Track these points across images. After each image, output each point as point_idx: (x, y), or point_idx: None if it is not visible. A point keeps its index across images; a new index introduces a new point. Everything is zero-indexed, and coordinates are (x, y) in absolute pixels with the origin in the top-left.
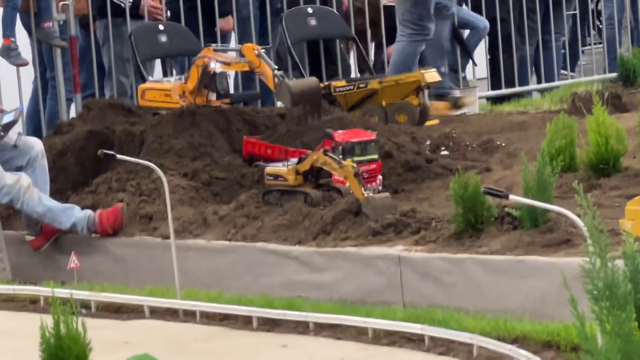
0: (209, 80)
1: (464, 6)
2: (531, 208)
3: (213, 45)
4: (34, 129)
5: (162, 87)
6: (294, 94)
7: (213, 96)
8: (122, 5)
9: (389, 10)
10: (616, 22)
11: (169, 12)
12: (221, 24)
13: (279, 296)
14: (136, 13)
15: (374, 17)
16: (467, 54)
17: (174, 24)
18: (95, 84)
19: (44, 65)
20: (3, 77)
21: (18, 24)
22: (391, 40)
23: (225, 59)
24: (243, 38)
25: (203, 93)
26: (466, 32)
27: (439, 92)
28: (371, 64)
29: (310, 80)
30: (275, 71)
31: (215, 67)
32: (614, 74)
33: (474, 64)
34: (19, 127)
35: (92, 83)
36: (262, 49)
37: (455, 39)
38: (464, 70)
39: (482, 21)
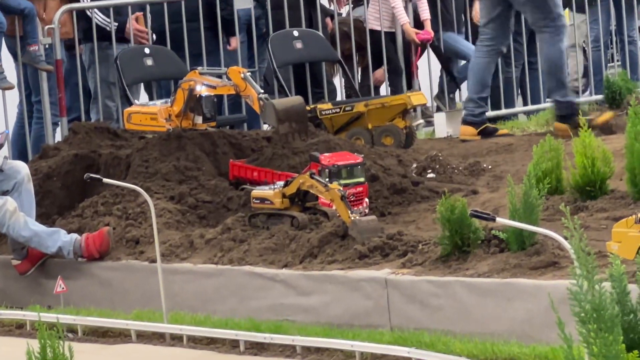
0: (195, 103)
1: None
2: (518, 230)
3: (199, 68)
4: (19, 153)
5: (148, 110)
6: (278, 112)
7: (199, 119)
8: (108, 28)
9: (375, 35)
10: (602, 45)
11: (154, 36)
12: (233, 43)
13: (266, 319)
14: (122, 36)
15: (360, 41)
16: (455, 83)
17: (159, 47)
18: (82, 107)
19: (30, 89)
20: None
21: (3, 48)
22: (378, 64)
23: (211, 82)
24: (229, 61)
25: (189, 116)
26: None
27: (468, 119)
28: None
29: (294, 99)
30: (261, 94)
31: (201, 90)
32: (600, 96)
33: (459, 89)
34: (4, 151)
35: (77, 106)
36: (248, 71)
37: (442, 66)
38: (452, 92)
39: None
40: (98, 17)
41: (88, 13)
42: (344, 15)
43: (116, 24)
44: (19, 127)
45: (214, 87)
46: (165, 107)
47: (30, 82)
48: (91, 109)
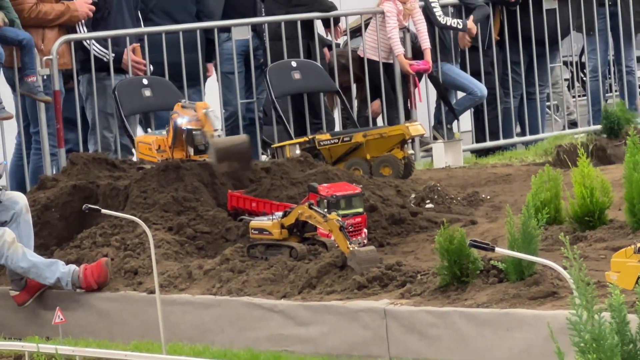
0: (186, 135)
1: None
2: (517, 261)
3: (182, 101)
4: (17, 184)
5: (146, 140)
6: (218, 151)
7: (192, 151)
8: (105, 59)
9: (373, 65)
10: (600, 75)
11: (151, 67)
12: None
13: (265, 350)
14: (119, 67)
15: (358, 73)
16: (454, 115)
17: (157, 78)
18: (80, 138)
19: (28, 119)
20: None
21: (1, 79)
22: (376, 94)
23: (190, 116)
24: (227, 92)
25: (182, 148)
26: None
27: None
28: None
29: (238, 138)
30: (216, 131)
31: (182, 123)
32: (598, 126)
33: (457, 120)
34: (2, 182)
35: (75, 137)
36: (210, 109)
37: (440, 97)
38: (450, 123)
39: (481, 89)
40: (95, 48)
41: (85, 44)
42: (341, 45)
43: (113, 54)
44: (17, 158)
45: (192, 121)
46: (160, 138)
47: (28, 113)
48: (89, 139)
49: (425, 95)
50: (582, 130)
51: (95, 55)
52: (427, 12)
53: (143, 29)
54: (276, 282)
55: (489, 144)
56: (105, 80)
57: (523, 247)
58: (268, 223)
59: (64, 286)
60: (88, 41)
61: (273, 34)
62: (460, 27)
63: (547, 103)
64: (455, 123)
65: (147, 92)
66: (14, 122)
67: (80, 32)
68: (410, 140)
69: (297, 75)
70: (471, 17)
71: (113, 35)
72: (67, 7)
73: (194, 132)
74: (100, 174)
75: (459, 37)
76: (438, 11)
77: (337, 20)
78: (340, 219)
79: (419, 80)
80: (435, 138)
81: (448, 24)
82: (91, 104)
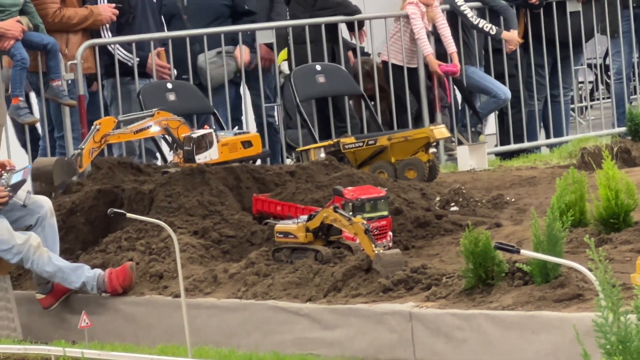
0: (179, 143)
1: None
2: (542, 263)
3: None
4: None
5: None
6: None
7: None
8: (129, 63)
9: (397, 70)
10: (624, 77)
11: (175, 71)
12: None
13: (290, 354)
14: (143, 71)
15: (382, 83)
16: (478, 118)
17: (182, 82)
18: None
19: (52, 124)
20: (12, 136)
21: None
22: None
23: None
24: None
25: (179, 155)
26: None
27: None
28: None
29: (50, 160)
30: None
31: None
32: (622, 129)
33: (482, 123)
34: (27, 186)
35: None
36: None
37: (464, 100)
38: (474, 126)
39: (504, 92)
40: (120, 53)
41: (109, 48)
42: (365, 48)
43: (137, 59)
44: None
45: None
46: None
47: (52, 117)
48: (113, 144)
49: (454, 98)
50: (606, 133)
51: (119, 60)
52: (457, 13)
53: (168, 33)
54: (301, 285)
55: (513, 146)
56: (130, 84)
57: (548, 250)
58: (293, 226)
59: (90, 290)
60: (113, 46)
61: (297, 38)
62: (493, 32)
63: (572, 105)
64: (479, 126)
65: (172, 97)
66: (39, 127)
67: (105, 36)
68: (434, 143)
69: (321, 79)
70: (513, 30)
71: (137, 39)
72: (90, 11)
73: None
74: (125, 178)
75: (507, 43)
76: (468, 12)
77: (361, 24)
78: (365, 222)
79: (448, 81)
80: (459, 141)
81: (480, 25)
82: (116, 109)
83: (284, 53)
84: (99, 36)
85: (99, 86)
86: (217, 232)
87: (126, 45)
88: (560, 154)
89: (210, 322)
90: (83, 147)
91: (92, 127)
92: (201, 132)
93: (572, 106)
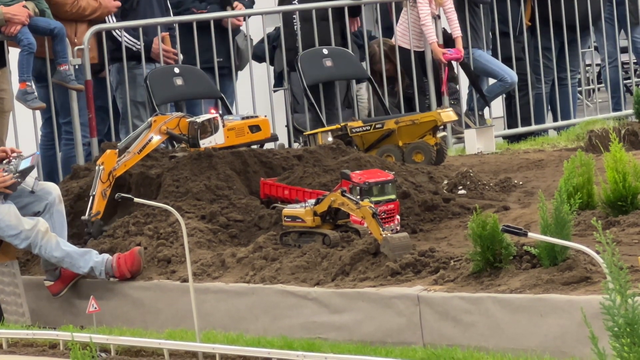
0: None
1: (488, 53)
2: (550, 246)
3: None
4: (48, 174)
5: None
6: None
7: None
8: (135, 48)
9: (404, 53)
10: (619, 62)
11: (182, 56)
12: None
13: (299, 338)
14: (148, 56)
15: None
16: (485, 101)
17: (189, 67)
18: (112, 127)
19: (50, 112)
20: (20, 122)
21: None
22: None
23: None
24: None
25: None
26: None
27: None
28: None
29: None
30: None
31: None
32: (630, 111)
33: (489, 106)
34: (35, 173)
35: (101, 128)
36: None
37: (471, 83)
38: (481, 109)
39: (511, 76)
40: (125, 38)
41: (115, 34)
42: (372, 32)
43: (143, 43)
44: (45, 149)
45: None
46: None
47: (57, 103)
48: (120, 129)
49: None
50: (613, 115)
51: (125, 45)
52: None
53: (173, 18)
54: (309, 269)
55: (520, 129)
56: (135, 69)
57: (556, 232)
58: (301, 210)
59: (98, 275)
60: (118, 31)
61: (303, 19)
62: None
63: (579, 88)
64: (486, 109)
65: (179, 81)
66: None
67: (110, 22)
68: (442, 127)
69: (328, 63)
70: None
71: (143, 24)
72: (99, 3)
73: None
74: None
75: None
76: None
77: (356, 12)
78: (372, 205)
79: (449, 69)
80: (467, 125)
81: None
82: (121, 94)
83: None
84: (104, 22)
85: (107, 72)
86: (225, 216)
87: (131, 31)
88: (568, 136)
89: (219, 306)
90: (94, 193)
91: (97, 168)
92: (206, 116)
93: (579, 89)
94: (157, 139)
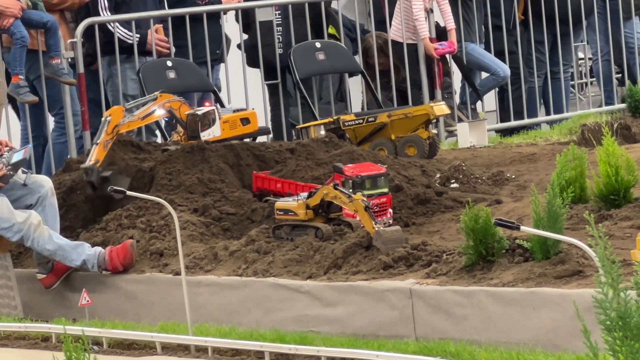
0: (182, 123)
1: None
2: (542, 239)
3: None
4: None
5: None
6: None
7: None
8: (128, 41)
9: (397, 47)
10: (612, 56)
11: (174, 48)
12: None
13: (291, 331)
14: (141, 50)
15: (397, 62)
16: (477, 95)
17: (182, 60)
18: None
19: (34, 106)
20: (12, 115)
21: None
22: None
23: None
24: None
25: (179, 132)
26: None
27: None
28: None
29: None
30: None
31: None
32: (622, 105)
33: (481, 100)
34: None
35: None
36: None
37: (464, 77)
38: (473, 103)
39: (504, 70)
40: (119, 31)
41: (109, 27)
42: (365, 25)
43: (137, 36)
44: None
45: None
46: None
47: (47, 96)
48: None
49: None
50: (606, 109)
51: (119, 38)
52: None
53: (167, 11)
54: (302, 262)
55: (513, 123)
56: (125, 62)
57: (548, 226)
58: (293, 204)
59: (90, 268)
60: (112, 24)
61: (296, 13)
62: None
63: (572, 82)
64: (479, 103)
65: (172, 74)
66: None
67: (103, 15)
68: (434, 120)
69: (321, 56)
70: None
71: (137, 17)
72: None
73: (195, 116)
74: (126, 156)
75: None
76: None
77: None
78: (365, 199)
79: (443, 63)
80: (459, 119)
81: None
82: (112, 87)
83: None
84: (98, 15)
85: (99, 65)
86: (218, 209)
87: (124, 24)
88: (561, 130)
89: (211, 299)
90: (98, 141)
91: (103, 119)
92: (204, 109)
93: (572, 83)
94: (160, 112)
